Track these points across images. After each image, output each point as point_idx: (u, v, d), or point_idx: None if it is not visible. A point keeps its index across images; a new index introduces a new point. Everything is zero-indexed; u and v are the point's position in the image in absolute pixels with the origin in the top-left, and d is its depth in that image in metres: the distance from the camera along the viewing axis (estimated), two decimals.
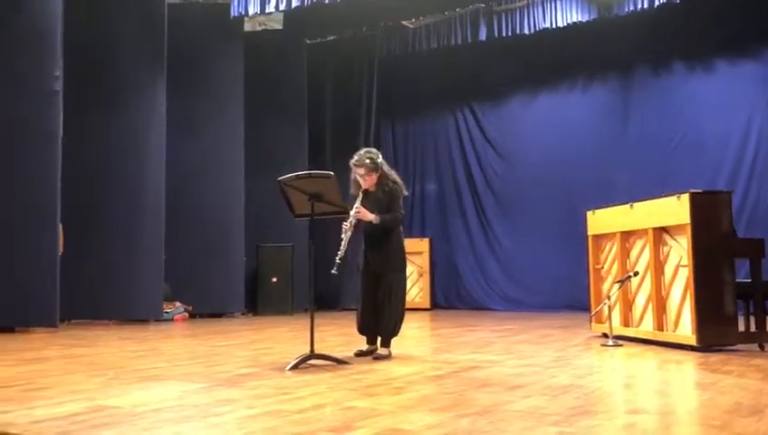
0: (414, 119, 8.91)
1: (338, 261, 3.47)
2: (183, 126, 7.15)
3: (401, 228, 3.87)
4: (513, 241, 8.07)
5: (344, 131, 8.59)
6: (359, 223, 3.70)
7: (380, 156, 3.85)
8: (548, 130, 7.92)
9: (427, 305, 8.16)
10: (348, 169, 3.84)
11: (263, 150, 7.86)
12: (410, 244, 8.00)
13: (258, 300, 7.62)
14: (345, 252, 3.52)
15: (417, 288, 8.25)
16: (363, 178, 3.76)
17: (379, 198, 3.75)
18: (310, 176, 3.45)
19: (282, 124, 8.06)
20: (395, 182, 3.82)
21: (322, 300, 8.06)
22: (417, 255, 8.22)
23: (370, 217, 3.68)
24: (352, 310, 3.74)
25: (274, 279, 7.63)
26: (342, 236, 3.58)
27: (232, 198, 7.29)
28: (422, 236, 8.51)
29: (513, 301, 7.90)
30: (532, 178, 7.93)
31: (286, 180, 3.46)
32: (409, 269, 8.07)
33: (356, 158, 3.79)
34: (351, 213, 3.62)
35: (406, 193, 3.88)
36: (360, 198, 3.73)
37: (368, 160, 3.75)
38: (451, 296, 8.38)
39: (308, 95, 8.31)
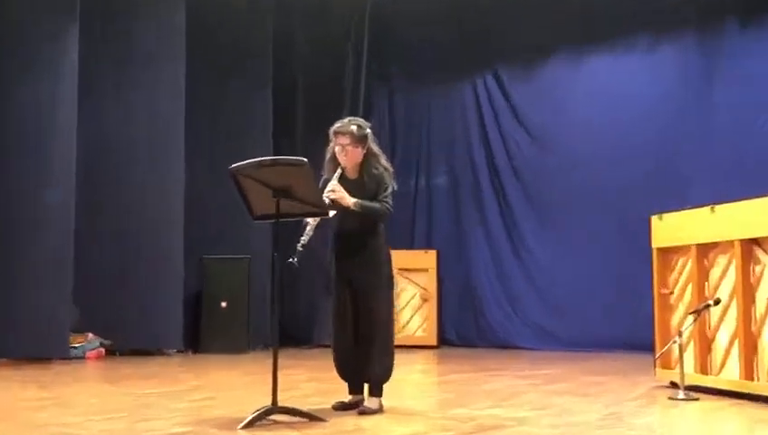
0: (418, 88, 8.85)
1: (299, 248, 3.55)
2: (100, 95, 7.14)
3: (385, 234, 3.96)
4: (550, 255, 8.08)
5: (322, 103, 8.57)
6: (328, 212, 3.75)
7: (370, 129, 3.97)
8: (598, 105, 7.94)
9: (433, 342, 8.16)
10: (323, 154, 3.92)
11: (211, 128, 7.82)
12: (411, 258, 8.11)
13: (202, 333, 7.60)
14: (310, 238, 3.63)
15: (418, 318, 8.23)
16: (345, 151, 3.88)
17: (363, 184, 3.87)
18: (275, 163, 3.49)
19: (237, 93, 8.06)
20: (384, 167, 3.94)
21: (290, 333, 8.07)
22: (420, 273, 8.21)
23: (349, 200, 3.77)
24: (330, 347, 3.95)
25: (224, 304, 7.61)
26: (306, 221, 3.69)
27: (167, 192, 7.26)
28: (427, 247, 8.51)
29: (549, 336, 7.94)
30: (577, 169, 7.95)
31: (243, 169, 3.48)
32: (410, 293, 8.20)
33: (339, 124, 3.92)
34: (325, 192, 3.71)
35: (395, 186, 3.96)
36: (338, 175, 3.83)
37: (354, 127, 3.89)
38: (466, 330, 8.41)
39: (273, 53, 8.32)
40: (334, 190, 3.75)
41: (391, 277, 3.94)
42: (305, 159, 3.46)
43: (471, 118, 8.63)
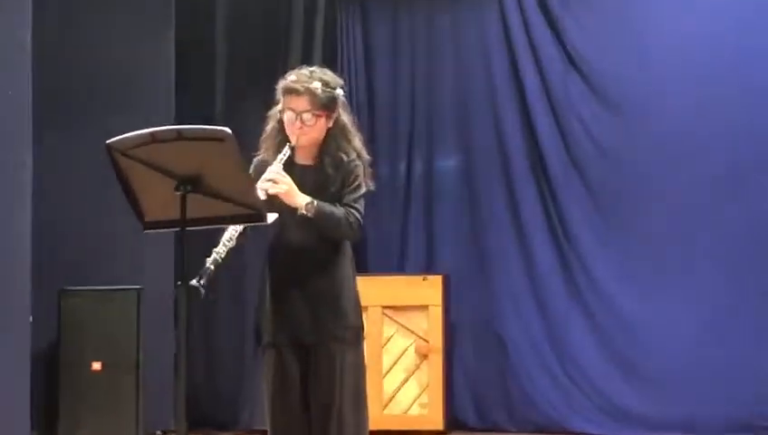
0: (408, 12, 8.66)
1: (209, 267, 3.73)
2: None
3: (352, 256, 4.18)
4: (627, 289, 7.89)
5: (253, 43, 8.57)
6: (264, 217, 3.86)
7: (342, 89, 4.16)
8: (708, 41, 7.71)
9: (439, 425, 7.92)
10: (260, 121, 4.19)
11: (74, 86, 7.66)
12: (402, 289, 7.91)
13: (62, 410, 7.45)
14: (227, 253, 3.80)
15: (414, 387, 7.94)
16: (300, 122, 4.02)
17: (325, 176, 4.08)
18: (179, 136, 3.54)
19: (117, 28, 7.95)
20: (357, 152, 4.14)
21: (206, 410, 8.03)
22: (417, 313, 7.94)
23: (299, 198, 3.95)
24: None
25: (98, 365, 7.41)
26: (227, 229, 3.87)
27: (2, 185, 6.76)
28: (427, 271, 8.27)
29: (627, 416, 7.75)
30: (673, 147, 7.74)
31: (126, 146, 3.55)
32: (400, 345, 7.95)
33: (293, 75, 4.09)
34: (260, 182, 3.87)
35: (372, 186, 4.18)
36: (284, 156, 4.02)
37: (317, 85, 4.03)
38: (490, 404, 8.17)
39: None
40: (275, 181, 3.88)
41: (361, 326, 4.12)
42: (228, 130, 3.49)
43: (497, 61, 8.33)
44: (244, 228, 3.84)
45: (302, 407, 4.03)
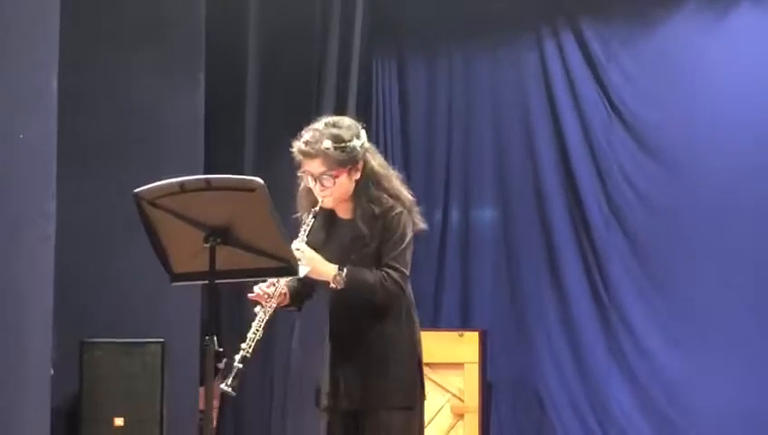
0: (446, 58, 8.66)
1: (238, 366, 3.72)
2: None
3: (412, 310, 4.08)
4: (669, 344, 7.85)
5: (288, 88, 8.54)
6: (307, 284, 3.98)
7: (363, 134, 4.04)
8: (758, 96, 7.66)
9: None
10: (295, 173, 4.07)
11: (100, 126, 7.58)
12: (437, 345, 7.68)
13: None
14: (256, 345, 3.79)
15: None
16: (320, 183, 3.96)
17: (359, 232, 3.97)
18: (209, 186, 3.51)
19: (147, 79, 7.86)
20: (395, 196, 4.02)
21: None
22: (452, 371, 7.85)
23: (326, 271, 3.90)
24: None
25: (120, 420, 7.29)
26: (257, 310, 3.86)
27: (26, 235, 6.73)
28: (463, 326, 8.20)
29: None
30: (719, 202, 7.69)
31: (155, 195, 3.52)
32: (436, 404, 7.82)
33: (305, 136, 3.97)
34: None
35: (423, 226, 4.10)
36: (307, 226, 3.96)
37: (328, 142, 3.91)
38: None
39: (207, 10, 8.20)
40: (297, 255, 3.75)
41: (419, 389, 4.02)
42: (259, 180, 3.45)
43: (536, 109, 8.35)
44: (272, 316, 3.85)
45: None
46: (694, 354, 7.72)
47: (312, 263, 3.85)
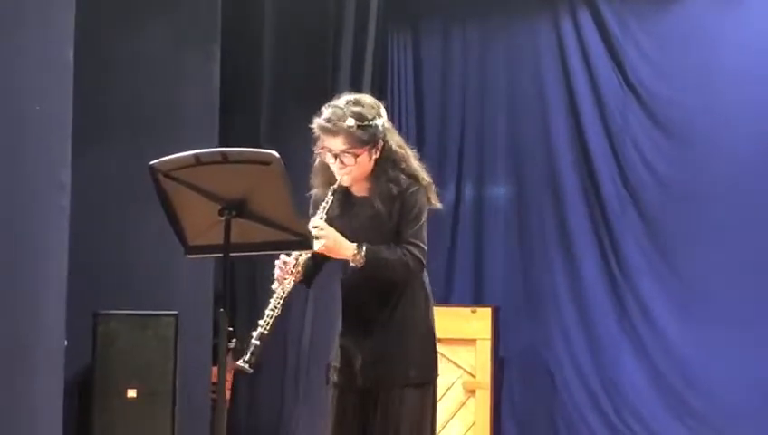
0: (463, 28, 8.67)
1: (255, 343, 3.70)
2: None
3: (427, 286, 4.10)
4: (682, 322, 7.84)
5: (303, 61, 8.57)
6: (317, 261, 3.98)
7: (383, 113, 4.04)
8: None
9: None
10: (310, 146, 4.08)
11: (115, 99, 7.62)
12: (449, 321, 7.67)
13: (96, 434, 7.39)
14: (273, 321, 3.77)
15: (460, 424, 7.89)
16: (340, 161, 3.94)
17: (377, 210, 3.97)
18: (224, 159, 3.50)
19: (161, 49, 7.93)
20: (413, 176, 4.01)
21: None
22: (464, 347, 7.87)
23: (347, 249, 3.88)
24: None
25: (133, 392, 7.33)
26: (275, 287, 3.86)
27: (42, 206, 6.77)
28: (475, 303, 8.23)
29: None
30: (736, 180, 7.67)
31: (170, 168, 3.52)
32: (447, 380, 7.82)
33: (326, 113, 3.96)
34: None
35: (438, 204, 4.13)
36: (327, 204, 3.95)
37: (351, 120, 3.90)
38: None
39: None
40: (319, 233, 3.79)
41: (433, 366, 4.03)
42: (275, 153, 3.44)
43: (551, 86, 8.35)
44: (295, 279, 3.84)
45: None
46: (705, 330, 7.72)
47: (332, 241, 3.85)
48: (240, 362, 3.64)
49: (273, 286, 3.84)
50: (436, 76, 8.78)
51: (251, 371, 3.70)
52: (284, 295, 3.81)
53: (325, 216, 3.90)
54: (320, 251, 3.82)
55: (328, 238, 3.83)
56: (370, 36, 8.56)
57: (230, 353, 3.58)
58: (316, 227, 3.82)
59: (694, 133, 7.89)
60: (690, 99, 7.91)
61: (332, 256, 3.90)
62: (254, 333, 3.69)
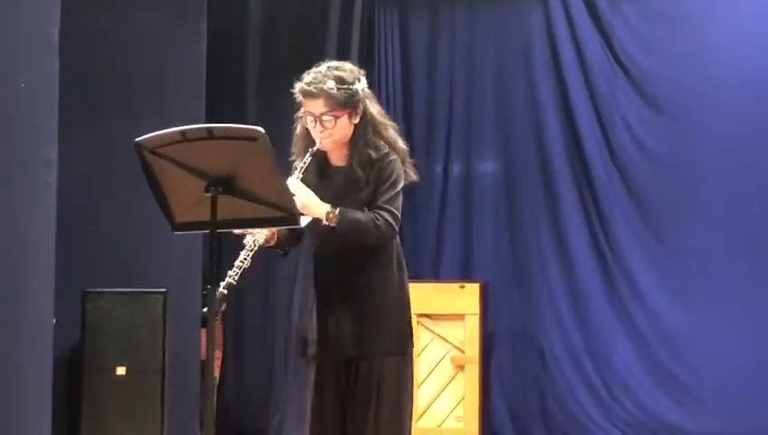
0: (451, 8, 8.65)
1: (222, 292, 3.72)
2: None
3: (401, 257, 4.13)
4: (671, 297, 7.87)
5: (289, 36, 8.56)
6: (294, 232, 4.04)
7: (363, 80, 4.09)
8: (765, 43, 7.63)
9: (475, 434, 7.87)
10: (294, 120, 4.13)
11: (101, 77, 7.59)
12: (437, 297, 7.84)
13: (84, 416, 7.36)
14: (242, 273, 3.84)
15: (449, 399, 7.91)
16: (320, 125, 3.98)
17: (355, 176, 4.03)
18: (210, 135, 3.53)
19: (148, 29, 7.89)
20: (391, 145, 4.07)
21: (237, 418, 8.11)
22: (453, 322, 7.89)
23: (319, 208, 3.94)
24: None
25: (122, 370, 7.34)
26: (247, 240, 3.91)
27: (29, 183, 6.71)
28: (464, 278, 8.23)
29: (668, 430, 7.74)
30: (724, 155, 7.68)
31: (156, 144, 3.54)
32: (435, 355, 7.90)
33: (308, 76, 4.03)
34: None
35: (414, 176, 4.14)
36: (304, 164, 4.02)
37: (331, 82, 3.96)
38: (530, 419, 8.15)
39: None
40: (292, 190, 3.80)
41: (409, 336, 4.08)
42: (260, 129, 3.47)
43: (539, 61, 8.33)
44: (258, 248, 3.88)
45: (341, 422, 4.03)
46: (695, 307, 7.75)
47: (307, 199, 3.89)
48: (204, 309, 3.65)
49: (245, 239, 3.88)
50: (423, 54, 8.74)
51: (224, 300, 3.72)
52: (255, 248, 3.84)
53: (302, 175, 3.95)
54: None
55: (302, 196, 3.85)
56: (357, 13, 8.54)
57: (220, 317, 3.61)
58: (293, 185, 3.85)
59: (682, 109, 7.89)
60: (679, 75, 7.90)
61: (306, 213, 3.90)
62: (222, 283, 3.71)
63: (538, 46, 8.35)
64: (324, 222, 3.91)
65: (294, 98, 4.03)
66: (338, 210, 3.90)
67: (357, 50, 8.38)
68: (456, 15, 8.61)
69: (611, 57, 8.15)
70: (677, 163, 7.87)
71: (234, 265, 3.81)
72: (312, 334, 4.10)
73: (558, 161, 8.24)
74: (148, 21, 8.00)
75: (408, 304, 4.12)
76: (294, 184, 3.89)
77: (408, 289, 4.14)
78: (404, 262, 4.16)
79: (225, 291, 3.72)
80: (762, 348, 7.49)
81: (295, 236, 4.13)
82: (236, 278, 3.78)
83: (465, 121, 8.57)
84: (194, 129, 3.56)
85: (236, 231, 3.88)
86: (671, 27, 7.96)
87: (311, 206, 3.91)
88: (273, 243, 4.00)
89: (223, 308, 3.67)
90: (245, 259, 3.83)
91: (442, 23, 8.68)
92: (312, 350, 4.10)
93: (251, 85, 8.65)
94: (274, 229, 3.94)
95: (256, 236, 3.87)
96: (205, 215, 3.56)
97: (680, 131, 7.89)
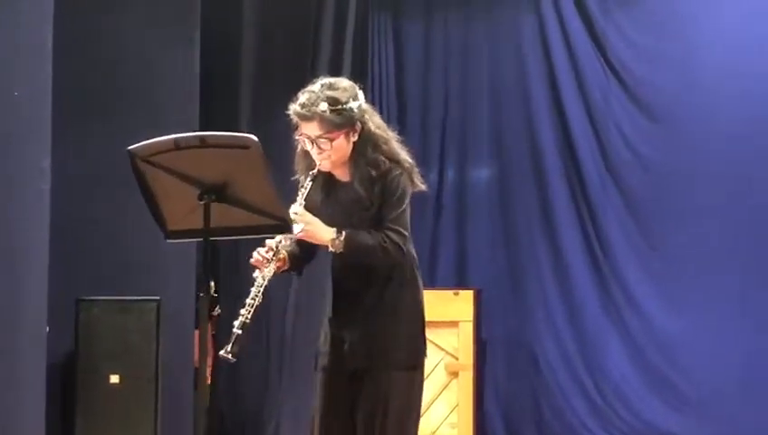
0: (445, 11, 8.62)
1: (237, 332, 3.72)
2: None
3: (416, 270, 4.09)
4: (665, 303, 7.85)
5: (283, 47, 8.55)
6: (307, 249, 4.04)
7: (360, 96, 4.03)
8: (758, 53, 7.61)
9: None
10: (291, 131, 4.06)
11: (94, 85, 7.59)
12: (432, 304, 7.43)
13: (78, 424, 7.35)
14: (255, 310, 3.79)
15: (444, 405, 7.87)
16: (317, 146, 3.95)
17: (357, 196, 3.98)
18: (203, 143, 3.55)
19: (141, 37, 7.85)
20: (394, 160, 4.00)
21: (229, 426, 8.10)
22: (447, 329, 7.84)
23: (324, 235, 3.90)
24: None
25: (116, 378, 7.32)
26: (256, 275, 3.85)
27: (22, 191, 6.72)
28: (458, 285, 8.21)
29: None
30: (717, 162, 7.65)
31: (148, 152, 3.54)
32: (430, 362, 7.62)
33: (301, 99, 3.95)
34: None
35: (422, 186, 4.11)
36: (305, 189, 3.97)
37: (324, 105, 3.90)
38: (522, 425, 8.14)
39: None
40: (296, 219, 3.79)
41: (422, 349, 4.05)
42: (253, 137, 3.49)
43: (533, 68, 8.31)
44: (268, 281, 3.83)
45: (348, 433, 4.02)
46: (689, 313, 7.73)
47: (311, 227, 3.86)
48: (222, 352, 3.64)
49: (255, 274, 3.83)
50: (417, 60, 8.71)
51: (233, 360, 3.69)
52: (265, 283, 3.81)
53: (304, 202, 3.90)
54: (299, 237, 3.85)
55: (306, 224, 3.84)
56: (350, 19, 8.51)
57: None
58: (296, 214, 3.81)
59: (675, 115, 7.86)
60: (671, 81, 7.89)
61: (312, 241, 3.90)
62: (236, 323, 3.69)
63: (531, 53, 8.33)
64: (330, 248, 3.88)
65: (288, 106, 3.99)
66: (343, 235, 3.86)
67: (350, 56, 8.36)
68: (450, 22, 8.60)
69: (605, 64, 8.15)
70: (671, 170, 7.85)
71: (245, 304, 3.77)
72: (324, 347, 4.08)
73: (552, 168, 8.21)
74: (142, 28, 7.97)
75: (422, 316, 4.08)
76: (298, 212, 3.85)
77: (422, 301, 4.10)
78: (419, 275, 4.12)
79: (240, 331, 3.70)
80: (755, 354, 7.47)
81: (307, 254, 4.11)
82: (249, 317, 3.74)
83: (460, 128, 8.56)
84: (186, 137, 3.57)
85: (251, 265, 3.87)
86: (664, 34, 7.96)
87: (316, 234, 3.89)
88: (285, 268, 3.99)
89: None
90: (257, 296, 3.80)
91: (436, 29, 8.66)
92: (324, 361, 4.07)
93: (244, 93, 8.62)
94: (284, 256, 3.91)
95: (264, 272, 3.82)
96: (198, 223, 3.55)
97: (674, 138, 7.87)
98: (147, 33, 7.90)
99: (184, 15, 8.03)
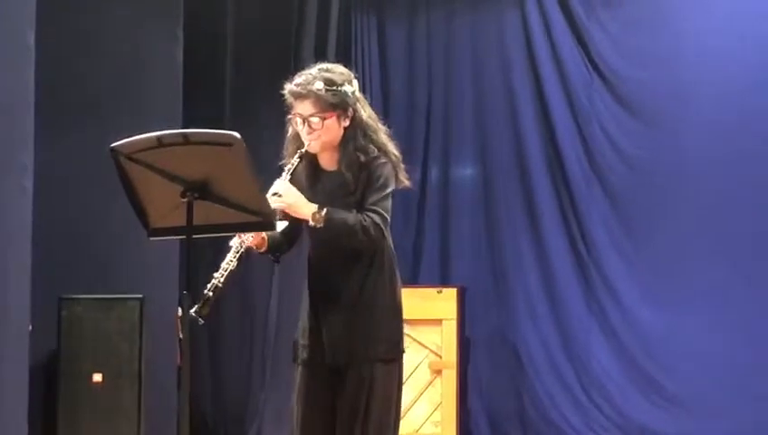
0: (428, 9, 8.62)
1: (208, 294, 3.72)
2: None
3: (394, 262, 4.09)
4: (654, 307, 7.85)
5: (267, 43, 8.56)
6: (287, 233, 4.01)
7: (355, 83, 4.07)
8: (741, 51, 7.61)
9: None
10: (277, 127, 4.18)
11: (77, 82, 7.56)
12: (415, 302, 7.63)
13: (61, 422, 7.33)
14: (226, 277, 3.79)
15: (427, 403, 7.87)
16: (307, 126, 3.96)
17: (343, 180, 4.00)
18: (186, 141, 3.53)
19: (124, 34, 7.84)
20: (382, 149, 4.02)
21: (211, 425, 8.08)
22: (430, 327, 7.86)
23: (306, 209, 3.91)
24: None
25: (99, 377, 7.31)
26: (232, 242, 3.87)
27: (3, 188, 6.59)
28: (442, 283, 8.23)
29: (646, 433, 7.71)
30: (701, 160, 7.67)
31: (131, 149, 3.54)
32: (413, 360, 7.79)
33: (298, 78, 3.99)
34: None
35: (407, 182, 4.12)
36: (292, 166, 3.99)
37: (319, 83, 3.94)
38: (505, 423, 8.14)
39: None
40: (279, 194, 3.83)
41: (396, 341, 4.02)
42: (237, 135, 3.48)
43: (517, 66, 8.32)
44: (245, 251, 3.83)
45: (330, 429, 4.00)
46: (672, 310, 7.74)
47: (293, 199, 3.87)
48: (192, 311, 3.59)
49: (232, 242, 3.83)
50: (401, 58, 8.73)
51: (202, 321, 3.64)
52: (242, 250, 3.81)
53: (289, 177, 3.91)
54: (281, 208, 3.82)
55: (288, 196, 3.85)
56: (333, 19, 8.54)
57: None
58: (279, 188, 3.85)
59: (659, 114, 7.88)
60: (655, 79, 7.90)
61: (293, 214, 3.89)
62: (209, 285, 3.69)
63: (515, 51, 8.33)
64: (311, 223, 3.87)
65: (272, 103, 4.02)
66: (324, 211, 3.85)
67: (334, 55, 8.33)
68: (433, 21, 8.60)
69: (588, 62, 8.16)
70: (654, 167, 7.87)
71: (219, 268, 3.78)
72: (303, 339, 4.07)
73: (536, 166, 8.23)
74: (125, 26, 7.96)
75: (401, 310, 4.07)
76: (282, 184, 3.88)
77: (400, 295, 4.09)
78: (396, 268, 4.11)
79: (211, 293, 3.69)
80: (739, 350, 7.47)
81: (288, 241, 4.09)
82: (222, 281, 3.74)
83: (443, 127, 8.58)
84: (169, 134, 3.55)
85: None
86: (647, 32, 7.96)
87: (297, 206, 3.89)
88: (263, 249, 3.97)
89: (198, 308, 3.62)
90: (232, 261, 3.79)
91: (419, 29, 8.66)
92: (303, 354, 4.06)
93: (228, 91, 8.63)
94: (264, 235, 3.91)
95: (243, 238, 3.82)
96: (181, 220, 3.55)
97: (656, 135, 7.89)
98: (130, 30, 7.88)
99: (167, 12, 8.01)
